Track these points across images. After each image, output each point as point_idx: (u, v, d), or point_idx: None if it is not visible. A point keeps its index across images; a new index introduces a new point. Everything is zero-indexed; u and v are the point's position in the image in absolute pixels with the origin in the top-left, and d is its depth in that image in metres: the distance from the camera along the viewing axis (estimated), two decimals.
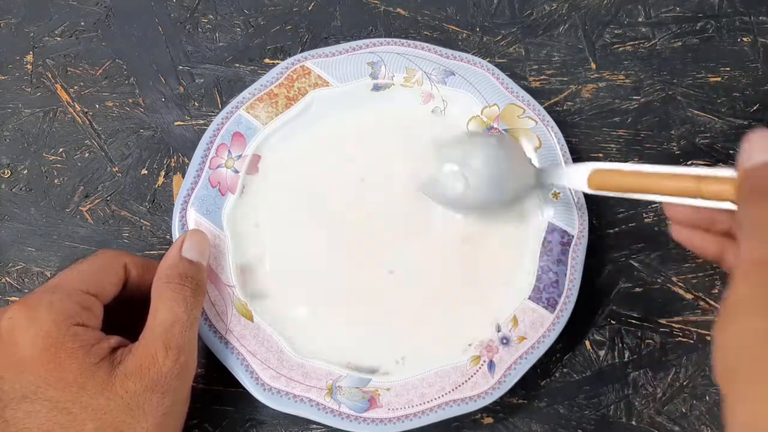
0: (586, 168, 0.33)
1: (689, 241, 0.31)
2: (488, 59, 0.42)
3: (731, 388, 0.25)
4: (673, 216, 0.31)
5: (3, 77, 0.43)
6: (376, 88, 0.40)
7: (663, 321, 0.38)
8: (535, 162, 0.38)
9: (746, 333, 0.24)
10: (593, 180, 0.33)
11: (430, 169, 0.37)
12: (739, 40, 0.42)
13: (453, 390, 0.35)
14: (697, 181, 0.29)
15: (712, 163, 0.40)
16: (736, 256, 0.30)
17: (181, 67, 0.43)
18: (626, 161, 0.40)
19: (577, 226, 0.37)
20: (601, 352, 0.38)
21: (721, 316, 0.26)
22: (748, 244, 0.25)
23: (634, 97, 0.42)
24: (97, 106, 0.42)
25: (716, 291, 0.38)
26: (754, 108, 0.41)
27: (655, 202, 0.40)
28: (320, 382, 0.35)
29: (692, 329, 0.38)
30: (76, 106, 0.42)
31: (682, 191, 0.29)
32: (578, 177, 0.33)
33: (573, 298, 0.36)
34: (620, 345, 0.38)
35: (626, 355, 0.38)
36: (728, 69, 0.42)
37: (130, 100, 0.42)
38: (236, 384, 0.35)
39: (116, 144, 0.41)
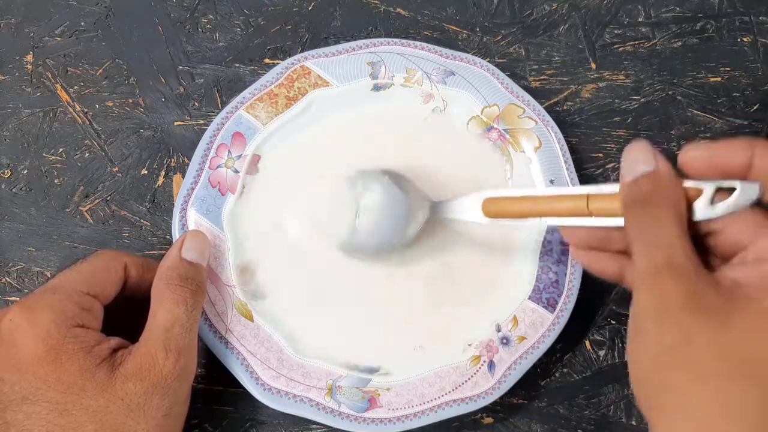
0: (478, 197, 0.33)
1: (589, 262, 0.31)
2: (488, 59, 0.42)
3: (648, 406, 0.24)
4: (569, 238, 0.31)
5: (3, 77, 0.43)
6: (376, 88, 0.40)
7: None
8: (535, 163, 0.38)
9: (652, 346, 0.24)
10: (487, 209, 0.33)
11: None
12: (739, 40, 0.42)
13: (453, 390, 0.35)
14: (585, 200, 0.29)
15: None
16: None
17: (181, 67, 0.43)
18: None
19: None
20: (601, 352, 0.38)
21: (630, 327, 0.26)
22: (638, 254, 0.25)
23: (634, 97, 0.42)
24: (97, 106, 0.42)
25: None
26: (754, 108, 0.41)
27: None
28: (320, 382, 0.35)
29: None
30: (76, 106, 0.42)
31: (573, 211, 0.29)
32: (472, 207, 0.33)
33: (573, 298, 0.36)
34: (620, 345, 0.38)
35: (626, 355, 0.38)
36: (728, 69, 0.42)
37: (130, 100, 0.42)
38: (236, 384, 0.35)
39: (116, 144, 0.41)
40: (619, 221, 0.28)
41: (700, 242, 0.27)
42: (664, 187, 0.26)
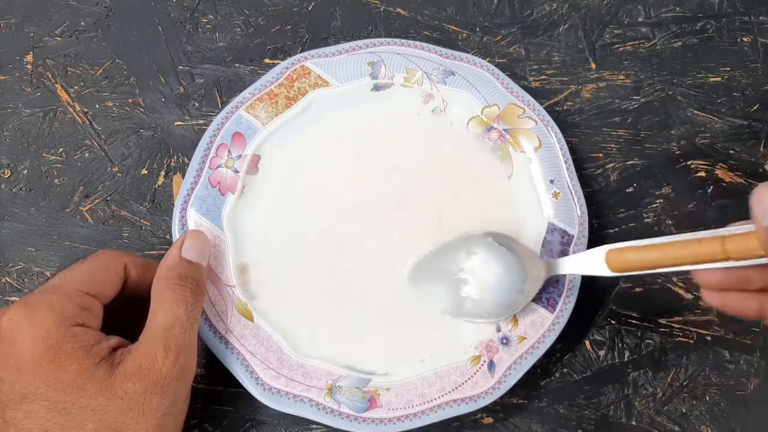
0: (601, 251, 0.32)
1: (725, 304, 0.30)
2: (488, 59, 0.42)
3: None
4: (704, 281, 0.30)
5: (3, 77, 0.43)
6: (376, 88, 0.40)
7: (663, 321, 0.38)
8: (535, 163, 0.38)
9: None
10: (612, 262, 0.32)
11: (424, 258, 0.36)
12: (739, 40, 0.42)
13: (453, 390, 0.35)
14: (720, 243, 0.28)
15: (712, 162, 0.40)
16: None
17: (181, 67, 0.43)
18: (626, 161, 0.40)
19: (577, 226, 0.37)
20: (601, 352, 0.38)
21: None
22: None
23: (634, 97, 0.42)
24: (97, 106, 0.42)
25: None
26: (754, 108, 0.41)
27: (658, 201, 0.40)
28: (320, 382, 0.35)
29: (692, 329, 0.38)
30: (76, 106, 0.42)
31: (708, 257, 0.29)
32: (596, 262, 0.32)
33: (573, 298, 0.36)
34: (620, 345, 0.38)
35: (626, 355, 0.38)
36: (728, 69, 0.42)
37: (130, 100, 0.42)
38: (236, 384, 0.35)
39: (116, 144, 0.41)
40: (758, 261, 0.28)
41: None
42: None
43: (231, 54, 0.43)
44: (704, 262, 0.29)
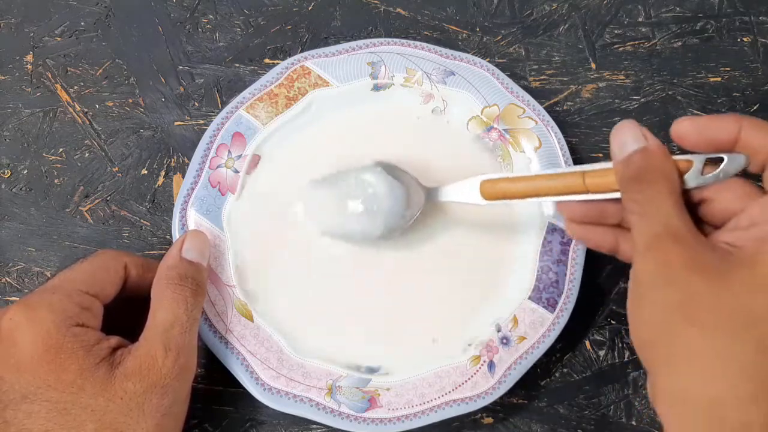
0: (476, 180, 0.34)
1: (585, 236, 0.33)
2: (488, 59, 0.42)
3: (653, 360, 0.27)
4: (567, 213, 0.33)
5: (3, 77, 0.43)
6: (376, 88, 0.40)
7: None
8: (535, 163, 0.38)
9: (657, 306, 0.26)
10: (485, 191, 0.34)
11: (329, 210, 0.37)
12: (739, 40, 0.42)
13: (453, 390, 0.35)
14: (581, 177, 0.31)
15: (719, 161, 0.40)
16: (631, 243, 0.31)
17: (181, 67, 0.43)
18: None
19: None
20: (601, 352, 0.38)
21: (631, 293, 0.28)
22: (639, 224, 0.28)
23: (634, 97, 0.42)
24: (97, 106, 0.42)
25: None
26: (754, 108, 0.41)
27: None
28: (320, 382, 0.35)
29: None
30: (76, 106, 0.42)
31: (571, 189, 0.31)
32: (470, 190, 0.34)
33: (573, 298, 0.36)
34: (620, 345, 0.38)
35: (626, 355, 0.38)
36: (728, 69, 0.42)
37: (130, 100, 0.42)
38: (236, 384, 0.35)
39: (116, 144, 0.41)
40: (615, 195, 0.30)
41: (694, 212, 0.29)
42: (657, 161, 0.28)
43: (231, 54, 0.43)
44: (567, 194, 0.31)
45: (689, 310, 0.25)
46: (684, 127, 0.29)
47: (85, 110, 0.42)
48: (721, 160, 0.28)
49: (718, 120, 0.28)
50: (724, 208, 0.28)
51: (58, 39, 0.43)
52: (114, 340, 0.31)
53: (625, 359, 0.37)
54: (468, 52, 0.41)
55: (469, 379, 0.35)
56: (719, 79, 0.42)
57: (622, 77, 0.42)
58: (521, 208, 0.38)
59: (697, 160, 0.29)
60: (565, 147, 0.38)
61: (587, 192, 0.31)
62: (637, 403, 0.37)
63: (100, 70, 0.43)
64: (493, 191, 0.33)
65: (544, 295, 0.36)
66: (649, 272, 0.27)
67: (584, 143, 0.41)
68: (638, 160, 0.28)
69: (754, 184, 0.28)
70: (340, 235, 0.37)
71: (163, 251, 0.36)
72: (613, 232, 0.32)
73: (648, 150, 0.28)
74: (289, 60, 0.40)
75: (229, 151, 0.38)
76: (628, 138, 0.29)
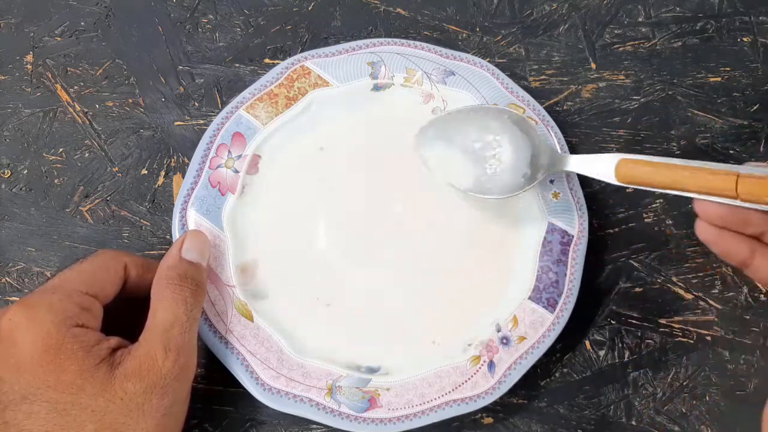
0: (613, 158, 0.31)
1: (716, 242, 0.30)
2: (488, 59, 0.42)
3: None
4: (704, 213, 0.30)
5: (3, 77, 0.43)
6: (376, 88, 0.40)
7: (663, 321, 0.38)
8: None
9: None
10: (621, 171, 0.31)
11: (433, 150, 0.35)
12: (739, 40, 0.42)
13: (453, 390, 0.35)
14: (734, 181, 0.28)
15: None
16: None
17: (181, 67, 0.43)
18: None
19: (577, 226, 0.37)
20: (601, 352, 0.38)
21: None
22: None
23: (634, 97, 0.42)
24: (97, 106, 0.42)
25: (716, 291, 0.38)
26: (754, 108, 0.41)
27: (658, 201, 0.40)
28: (320, 382, 0.35)
29: (692, 329, 0.38)
30: (76, 106, 0.42)
31: (718, 190, 0.28)
32: (604, 167, 0.32)
33: (573, 298, 0.36)
34: (620, 345, 0.38)
35: (626, 355, 0.38)
36: (728, 69, 0.42)
37: (130, 100, 0.42)
38: (236, 384, 0.35)
39: (116, 144, 0.41)
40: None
41: None
42: None
43: (231, 54, 0.43)
44: (712, 194, 0.28)
45: None
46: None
47: (85, 110, 0.42)
48: None
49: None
50: None
51: (58, 39, 0.43)
52: (114, 340, 0.31)
53: (625, 359, 0.37)
54: (468, 52, 0.41)
55: (469, 379, 0.35)
56: (719, 79, 0.42)
57: (622, 77, 0.42)
58: (521, 208, 0.38)
59: None
60: (566, 147, 0.38)
61: (736, 198, 0.28)
62: (637, 403, 0.37)
63: (100, 70, 0.43)
64: (630, 174, 0.31)
65: (544, 295, 0.36)
66: None
67: (584, 143, 0.41)
68: None
69: None
70: (447, 177, 0.35)
71: (163, 251, 0.36)
72: (750, 244, 0.29)
73: None
74: (289, 60, 0.40)
75: (229, 151, 0.38)
76: None
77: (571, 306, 0.36)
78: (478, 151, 0.34)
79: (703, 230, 0.30)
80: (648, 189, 0.31)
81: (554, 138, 0.38)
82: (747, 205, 0.28)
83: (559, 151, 0.37)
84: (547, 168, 0.35)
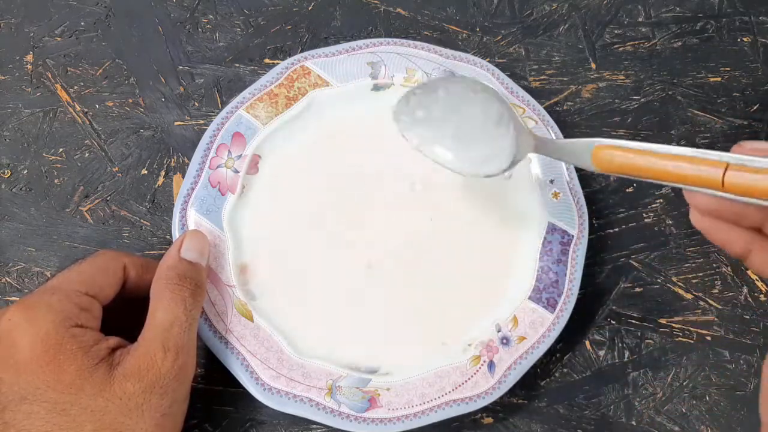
0: (590, 142, 0.29)
1: (711, 232, 0.28)
2: (488, 59, 0.42)
3: None
4: (694, 204, 0.27)
5: (3, 77, 0.43)
6: (376, 88, 0.40)
7: (663, 321, 0.38)
8: (535, 163, 0.38)
9: None
10: (598, 158, 0.29)
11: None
12: (739, 40, 0.42)
13: (453, 390, 0.35)
14: (722, 170, 0.25)
15: None
16: None
17: (181, 67, 0.43)
18: None
19: (577, 226, 0.37)
20: (601, 352, 0.38)
21: None
22: None
23: (634, 97, 0.42)
24: (97, 106, 0.42)
25: (716, 291, 0.38)
26: (754, 108, 0.41)
27: (658, 201, 0.40)
28: (320, 382, 0.35)
29: (692, 329, 0.38)
30: (76, 106, 0.42)
31: (703, 181, 0.25)
32: (582, 152, 0.29)
33: (573, 298, 0.36)
34: (620, 345, 0.38)
35: (626, 355, 0.38)
36: (728, 69, 0.42)
37: (130, 100, 0.42)
38: (236, 384, 0.35)
39: (116, 144, 0.41)
40: (756, 201, 0.24)
41: None
42: None
43: (231, 54, 0.43)
44: (697, 185, 0.26)
45: None
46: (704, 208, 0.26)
47: (85, 110, 0.42)
48: None
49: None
50: None
51: (58, 39, 0.43)
52: (113, 340, 0.31)
53: (625, 359, 0.37)
54: (468, 52, 0.41)
55: (469, 379, 0.35)
56: (719, 79, 0.42)
57: (622, 77, 0.42)
58: (521, 208, 0.38)
59: None
60: None
61: (722, 190, 0.25)
62: (637, 403, 0.37)
63: (100, 70, 0.43)
64: (607, 161, 0.28)
65: (544, 295, 0.36)
66: None
67: None
68: None
69: None
70: (429, 154, 0.34)
71: (163, 251, 0.36)
72: (748, 236, 0.27)
73: None
74: (289, 60, 0.40)
75: (229, 151, 0.38)
76: None
77: (571, 306, 0.36)
78: (459, 128, 0.33)
79: (696, 219, 0.28)
80: (626, 177, 0.28)
81: (554, 138, 0.38)
82: (737, 198, 0.25)
83: (564, 168, 0.37)
84: (525, 150, 0.33)
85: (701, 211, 0.27)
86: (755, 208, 0.26)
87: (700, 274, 0.39)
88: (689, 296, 0.38)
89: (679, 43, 0.42)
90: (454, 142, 0.34)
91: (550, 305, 0.36)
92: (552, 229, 0.37)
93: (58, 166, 0.41)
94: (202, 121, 0.41)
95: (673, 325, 0.38)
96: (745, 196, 0.25)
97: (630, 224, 0.39)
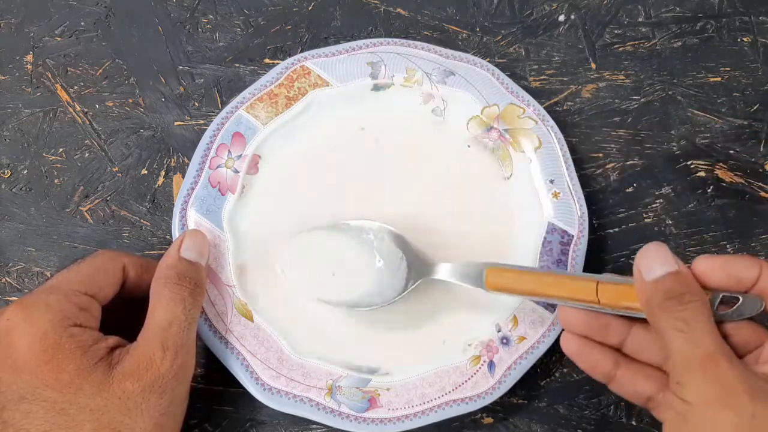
0: (482, 266, 0.33)
1: (581, 352, 0.32)
2: (488, 59, 0.42)
3: None
4: (567, 323, 0.32)
5: (3, 77, 0.43)
6: (376, 88, 0.40)
7: None
8: (535, 163, 0.38)
9: (709, 428, 0.26)
10: (491, 280, 0.33)
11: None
12: (739, 40, 0.42)
13: (453, 390, 0.35)
14: (594, 286, 0.30)
15: (712, 162, 0.40)
16: (633, 376, 0.31)
17: (181, 67, 0.43)
18: (626, 161, 0.40)
19: (577, 226, 0.37)
20: None
21: (675, 415, 0.27)
22: (685, 343, 0.27)
23: (634, 97, 0.42)
24: (97, 106, 0.42)
25: None
26: (754, 108, 0.41)
27: (658, 201, 0.40)
28: (320, 382, 0.35)
29: None
30: (76, 106, 0.42)
31: (580, 296, 0.31)
32: (475, 275, 0.33)
33: None
34: None
35: None
36: (728, 69, 0.42)
37: (130, 100, 0.42)
38: (236, 384, 0.35)
39: (116, 144, 0.41)
40: (627, 312, 0.30)
41: None
42: (693, 285, 0.29)
43: (231, 54, 0.43)
44: (576, 300, 0.31)
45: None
46: (704, 267, 0.29)
47: (85, 110, 0.42)
48: (737, 299, 0.29)
49: (738, 261, 0.29)
50: (743, 342, 0.29)
51: (58, 39, 0.43)
52: (112, 339, 0.31)
53: None
54: (468, 52, 0.41)
55: (469, 379, 0.35)
56: (719, 79, 0.42)
57: (622, 77, 0.42)
58: (521, 209, 0.38)
59: (716, 297, 0.29)
60: (565, 147, 0.38)
61: (597, 303, 0.30)
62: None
63: (100, 70, 0.43)
64: (497, 282, 0.32)
65: None
66: (702, 393, 0.26)
67: (584, 143, 0.41)
68: (674, 282, 0.28)
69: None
70: (327, 300, 0.36)
71: (163, 251, 0.36)
72: (612, 356, 0.31)
73: (681, 273, 0.29)
74: (289, 60, 0.40)
75: (229, 151, 0.38)
76: (655, 261, 0.29)
77: None
78: (350, 268, 0.35)
79: (567, 343, 0.32)
80: (514, 296, 0.33)
81: (554, 138, 0.38)
82: (608, 310, 0.30)
83: (562, 160, 0.38)
84: (419, 276, 0.35)
85: (573, 329, 0.31)
86: (618, 322, 0.31)
87: None
88: None
89: (679, 43, 0.42)
90: (337, 284, 0.35)
91: (550, 305, 0.36)
92: (552, 229, 0.37)
93: (58, 166, 0.41)
94: (202, 121, 0.41)
95: None
96: (614, 305, 0.30)
97: (630, 224, 0.39)
